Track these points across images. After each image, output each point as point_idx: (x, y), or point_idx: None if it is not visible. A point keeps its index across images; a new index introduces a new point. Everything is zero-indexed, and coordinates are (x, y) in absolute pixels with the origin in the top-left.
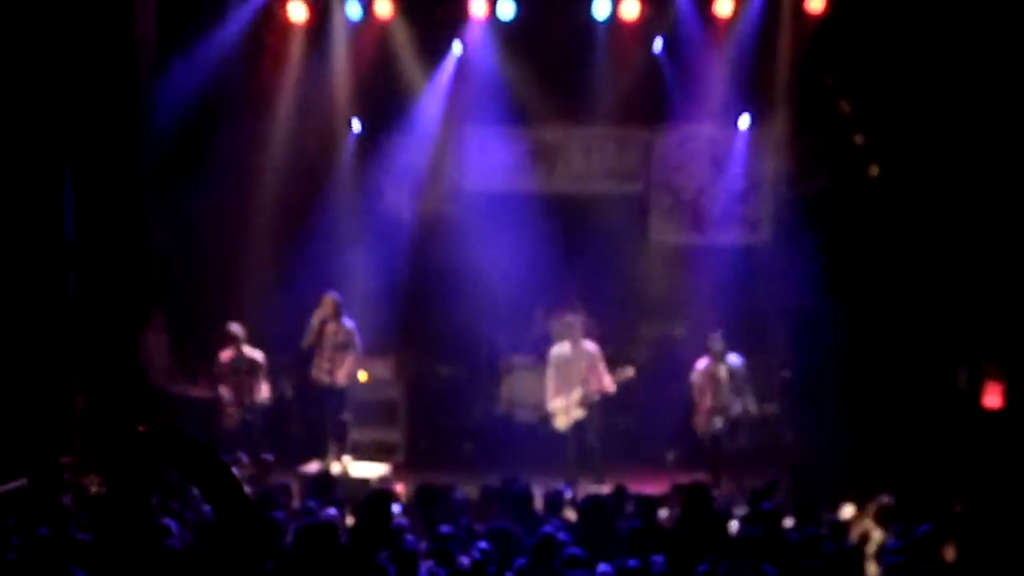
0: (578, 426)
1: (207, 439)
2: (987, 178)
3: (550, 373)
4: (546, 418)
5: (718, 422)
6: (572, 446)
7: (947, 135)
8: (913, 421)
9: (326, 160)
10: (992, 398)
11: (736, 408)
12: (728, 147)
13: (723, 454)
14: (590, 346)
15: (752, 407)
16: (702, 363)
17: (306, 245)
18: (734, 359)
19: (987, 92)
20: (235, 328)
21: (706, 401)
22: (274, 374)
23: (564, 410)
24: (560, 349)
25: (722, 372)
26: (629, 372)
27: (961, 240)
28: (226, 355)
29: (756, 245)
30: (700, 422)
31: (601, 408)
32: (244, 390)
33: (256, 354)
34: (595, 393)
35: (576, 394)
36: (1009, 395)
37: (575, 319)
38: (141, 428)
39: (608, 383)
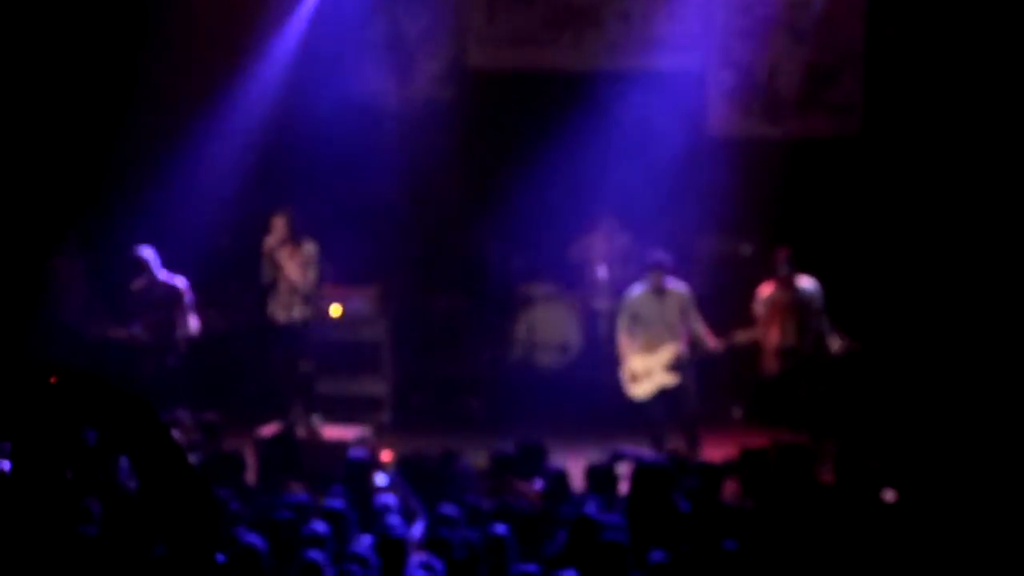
0: (665, 395)
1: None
2: None
3: (623, 324)
4: (574, 362)
5: (792, 366)
6: (654, 415)
7: None
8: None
9: (282, 35)
10: None
11: (810, 345)
12: (809, 12)
13: (798, 405)
14: (680, 288)
15: (835, 344)
16: (766, 290)
17: (255, 142)
18: (808, 283)
19: None
20: (145, 252)
21: (772, 337)
22: (218, 306)
23: (647, 374)
24: (635, 291)
25: (792, 300)
26: (750, 334)
27: None
28: (137, 285)
29: (847, 138)
30: (769, 366)
31: (696, 368)
32: (163, 326)
33: (176, 281)
34: (689, 351)
35: (665, 354)
36: None
37: (658, 259)
38: (52, 379)
39: (708, 337)
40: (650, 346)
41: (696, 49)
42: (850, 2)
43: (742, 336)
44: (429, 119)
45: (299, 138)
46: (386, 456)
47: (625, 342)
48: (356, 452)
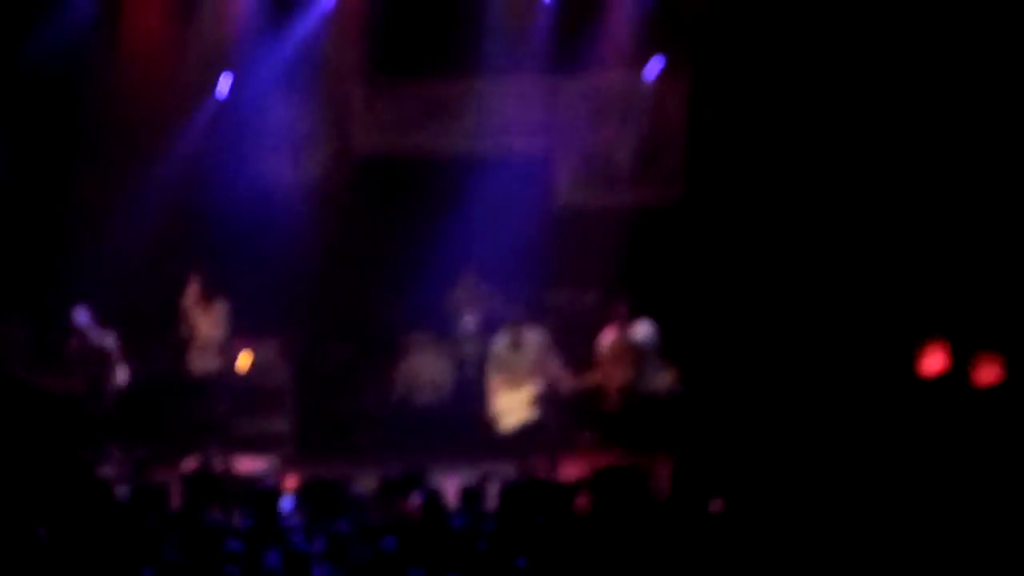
0: (527, 426)
1: (70, 434)
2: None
3: (490, 369)
4: (446, 400)
5: (631, 399)
6: (520, 442)
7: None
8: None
9: (193, 123)
10: (933, 363)
11: (649, 382)
12: (638, 98)
13: (639, 433)
14: (537, 335)
15: (667, 380)
16: (608, 335)
17: (169, 219)
18: (644, 328)
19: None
20: (79, 314)
21: (614, 377)
22: (142, 360)
23: (511, 410)
24: (501, 340)
25: (630, 344)
26: (598, 377)
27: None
28: (73, 343)
29: (673, 203)
30: (611, 403)
31: (554, 403)
32: (96, 379)
33: (107, 339)
34: (549, 390)
35: (527, 391)
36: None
37: (515, 310)
38: None
39: (563, 376)
40: (514, 385)
41: (545, 133)
42: (673, 87)
43: (590, 378)
44: (319, 196)
45: (209, 211)
46: (291, 482)
47: (491, 383)
48: (265, 481)
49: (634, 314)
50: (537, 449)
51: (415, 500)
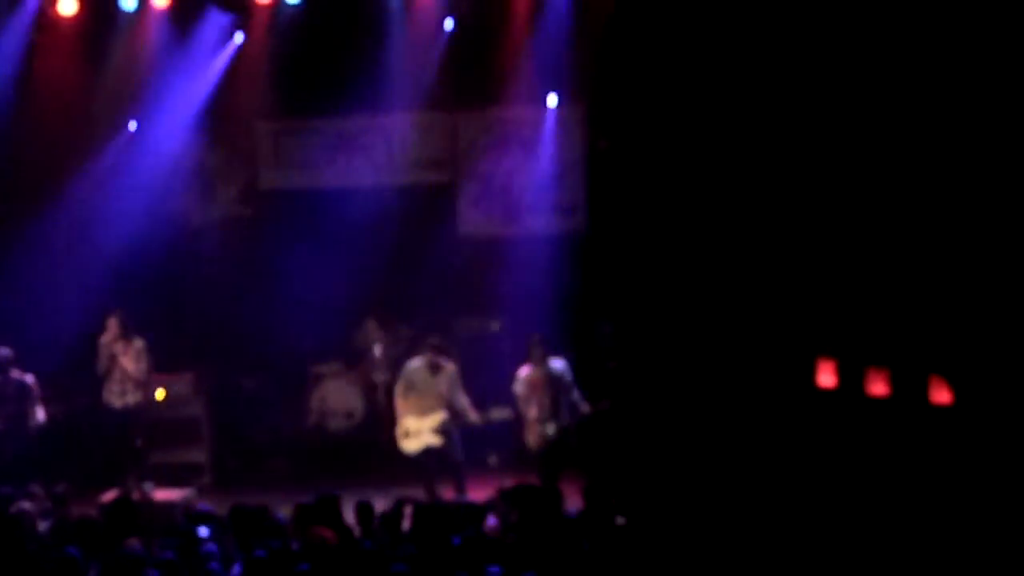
0: (431, 451)
1: None
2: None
3: (400, 390)
4: (360, 427)
5: (549, 430)
6: (425, 467)
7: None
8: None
9: (103, 162)
10: (825, 377)
11: (565, 415)
12: (538, 129)
13: (558, 463)
14: (450, 366)
15: (583, 408)
16: (524, 371)
17: (82, 257)
18: (557, 363)
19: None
20: (2, 352)
21: (532, 412)
22: (60, 397)
23: (416, 433)
24: (414, 364)
25: (546, 379)
26: (505, 412)
27: (789, 226)
28: None
29: (573, 232)
30: (530, 435)
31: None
32: (16, 417)
33: (26, 377)
34: (454, 420)
35: (433, 419)
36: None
37: (434, 339)
38: None
39: (469, 409)
40: (421, 410)
41: (446, 165)
42: (571, 118)
43: (496, 413)
44: (229, 232)
45: (122, 250)
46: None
47: (400, 405)
48: (183, 510)
49: (548, 348)
50: (445, 475)
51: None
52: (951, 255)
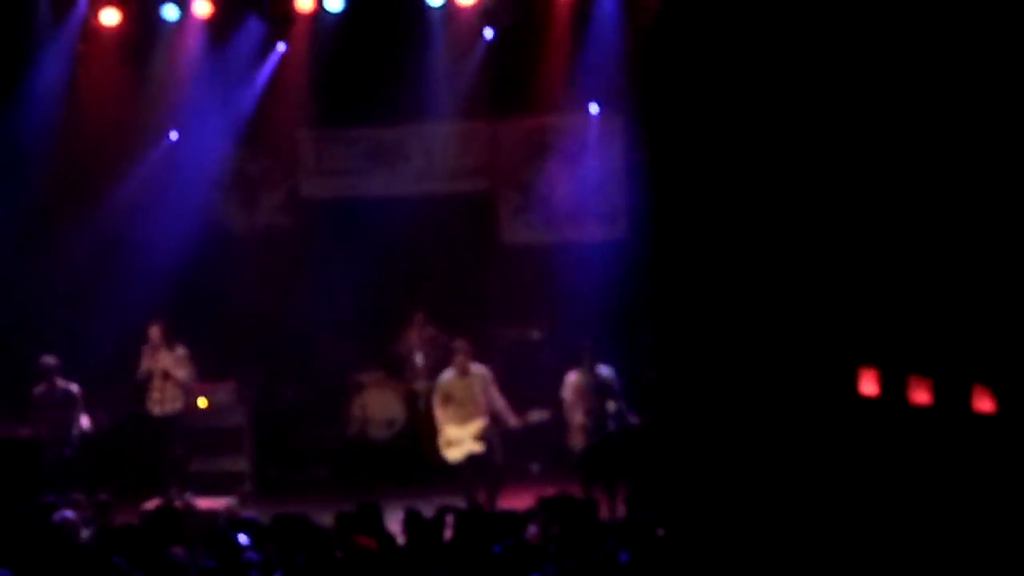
0: (473, 459)
1: (33, 481)
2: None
3: (438, 401)
4: (401, 435)
5: (593, 438)
6: (467, 474)
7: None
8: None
9: (145, 171)
10: (868, 385)
11: (611, 422)
12: (579, 137)
13: (599, 469)
14: (481, 370)
15: (631, 418)
16: (571, 376)
17: (125, 266)
18: (605, 370)
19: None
20: (48, 360)
21: (577, 417)
22: (102, 405)
23: (459, 442)
24: (447, 375)
25: (593, 385)
26: (543, 415)
27: (830, 235)
28: (39, 389)
29: (615, 240)
30: (574, 440)
31: (500, 436)
32: (61, 425)
33: (71, 386)
34: (494, 424)
35: (474, 426)
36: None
37: (462, 343)
38: None
39: (508, 412)
40: (460, 419)
41: (487, 173)
42: (612, 127)
43: (535, 415)
44: (270, 240)
45: (164, 259)
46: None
47: (440, 415)
48: (225, 518)
49: (597, 354)
50: (484, 483)
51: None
52: (994, 263)
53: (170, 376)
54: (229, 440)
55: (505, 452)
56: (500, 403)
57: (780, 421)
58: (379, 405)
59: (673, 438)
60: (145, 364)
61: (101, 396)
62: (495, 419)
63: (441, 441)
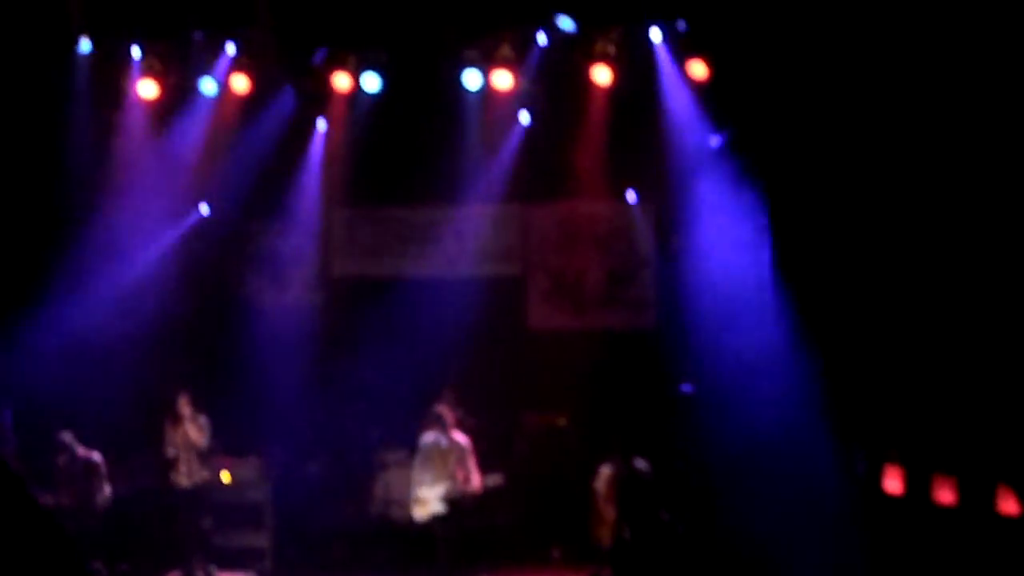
0: (437, 520)
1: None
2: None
3: (417, 461)
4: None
5: (625, 533)
6: (432, 534)
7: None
8: (809, 508)
9: (175, 242)
10: (892, 483)
11: (645, 518)
12: (611, 225)
13: (629, 567)
14: (461, 439)
15: (663, 515)
16: (605, 469)
17: (150, 336)
18: (641, 463)
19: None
20: (65, 436)
21: (609, 511)
22: (124, 475)
23: (425, 502)
24: (429, 439)
25: (627, 478)
26: (498, 480)
27: (853, 322)
28: (61, 461)
29: (642, 329)
30: (604, 534)
31: (467, 505)
32: (84, 494)
33: (93, 454)
34: (460, 490)
35: (440, 488)
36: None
37: (444, 409)
38: None
39: (476, 482)
40: (431, 481)
41: (517, 259)
42: (643, 216)
43: (491, 481)
44: (299, 317)
45: (191, 332)
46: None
47: (415, 476)
48: None
49: (627, 448)
50: (446, 544)
51: None
52: (1020, 365)
53: (194, 446)
54: (250, 515)
55: (464, 518)
56: (473, 476)
57: (806, 515)
58: (402, 485)
59: (697, 537)
60: (169, 436)
61: (123, 466)
62: (462, 483)
63: (411, 498)
